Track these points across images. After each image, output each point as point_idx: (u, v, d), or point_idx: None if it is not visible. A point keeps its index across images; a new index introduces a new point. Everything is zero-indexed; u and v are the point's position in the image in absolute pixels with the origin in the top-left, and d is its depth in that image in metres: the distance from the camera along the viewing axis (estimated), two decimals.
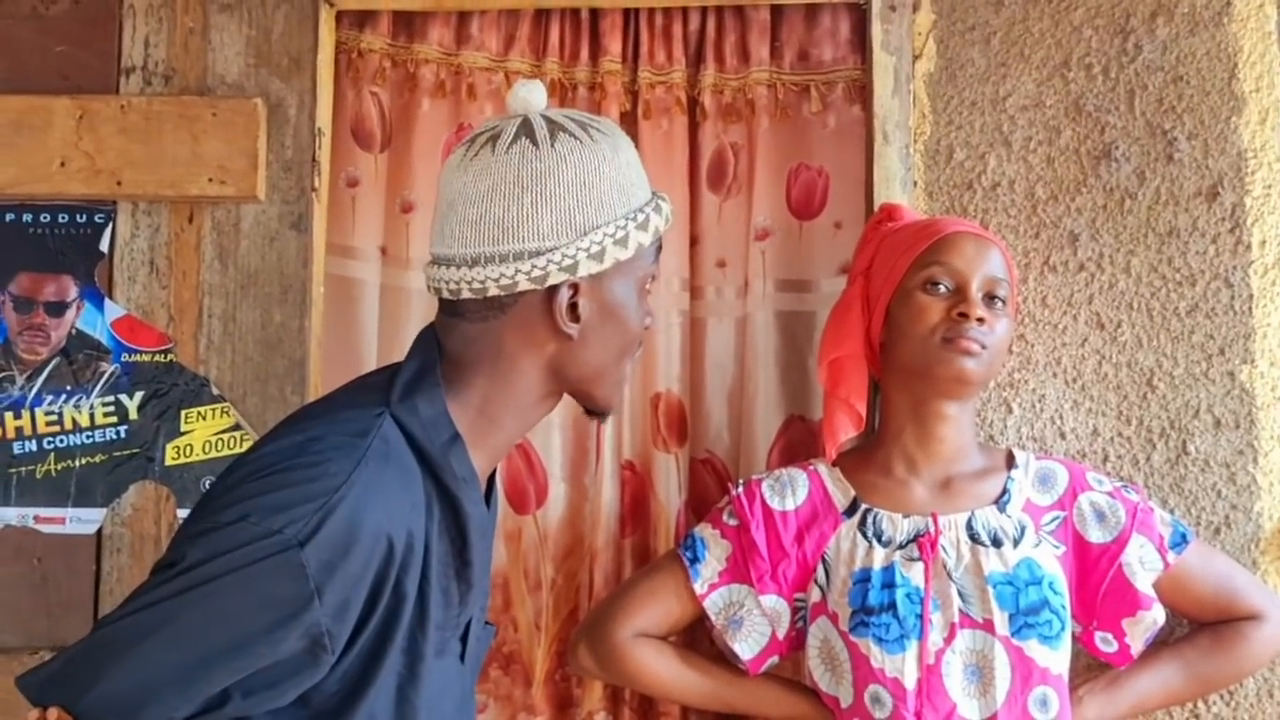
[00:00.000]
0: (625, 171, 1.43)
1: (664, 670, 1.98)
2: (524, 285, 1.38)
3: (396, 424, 1.37)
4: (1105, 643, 1.93)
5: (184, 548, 1.27)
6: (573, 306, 1.40)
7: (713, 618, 1.96)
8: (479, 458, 1.44)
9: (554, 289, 1.39)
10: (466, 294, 1.40)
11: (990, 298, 1.91)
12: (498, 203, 1.38)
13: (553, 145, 1.40)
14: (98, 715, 1.25)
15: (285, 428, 1.40)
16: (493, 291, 1.39)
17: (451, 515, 1.41)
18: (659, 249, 1.49)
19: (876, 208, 2.13)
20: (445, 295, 1.43)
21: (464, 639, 1.50)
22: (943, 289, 1.90)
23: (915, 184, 2.20)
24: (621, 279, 1.43)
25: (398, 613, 1.34)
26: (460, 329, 1.43)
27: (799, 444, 2.24)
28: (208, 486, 1.46)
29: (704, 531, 2.00)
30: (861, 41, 2.28)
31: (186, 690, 1.25)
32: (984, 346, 1.87)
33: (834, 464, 1.99)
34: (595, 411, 1.52)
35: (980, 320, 1.87)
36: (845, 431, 1.99)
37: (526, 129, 1.41)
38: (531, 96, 1.44)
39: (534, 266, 1.37)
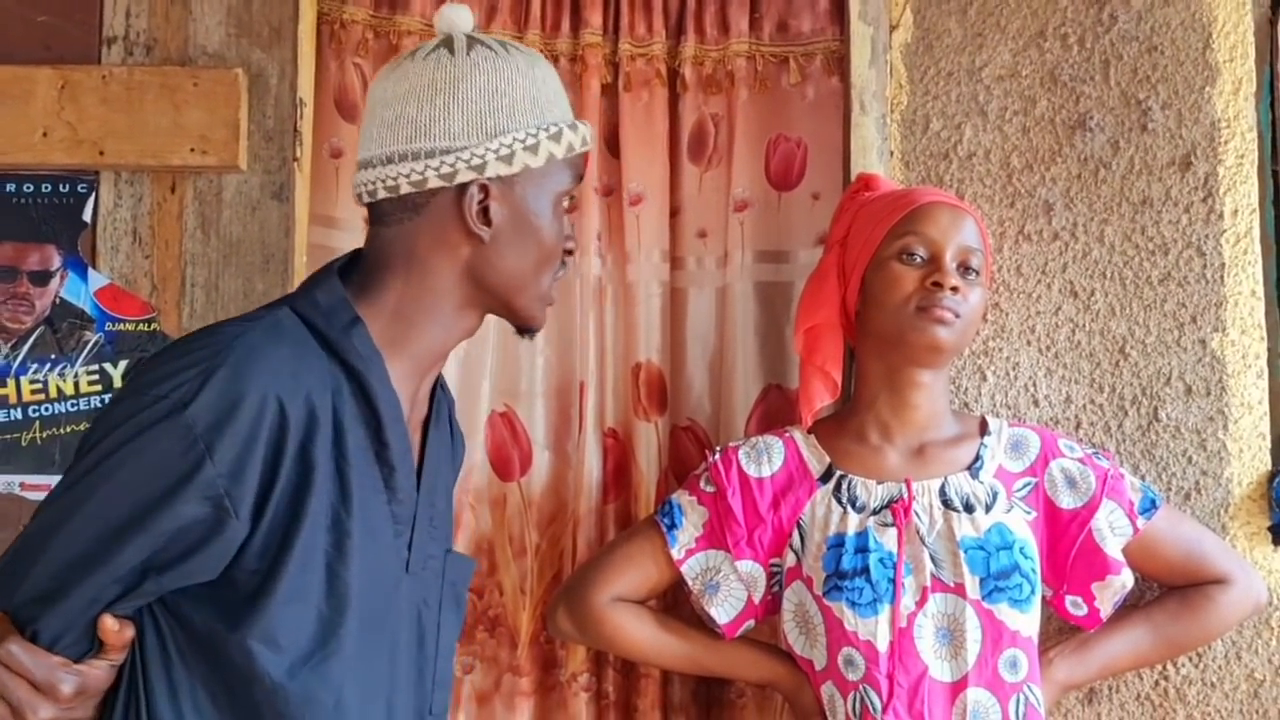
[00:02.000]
0: (540, 87, 1.48)
1: (641, 634, 2.01)
2: (434, 182, 1.42)
3: (296, 315, 1.41)
4: (1075, 606, 1.97)
5: (87, 433, 1.32)
6: (485, 210, 1.43)
7: (689, 582, 1.99)
8: (400, 363, 1.46)
9: (464, 189, 1.43)
10: (382, 193, 1.45)
11: (964, 267, 1.93)
12: (411, 104, 1.44)
13: (468, 54, 1.45)
14: (30, 610, 1.29)
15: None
16: (405, 189, 1.43)
17: (363, 397, 1.41)
18: (579, 176, 1.53)
19: (853, 178, 2.15)
20: (365, 198, 1.48)
21: (410, 545, 1.49)
22: (917, 258, 1.93)
23: (892, 154, 2.22)
24: (535, 189, 1.46)
25: (307, 482, 1.34)
26: (379, 235, 1.48)
27: (777, 412, 2.27)
28: None
29: (681, 498, 2.03)
30: (840, 12, 2.29)
31: (103, 570, 1.28)
32: (957, 315, 1.89)
33: (809, 431, 2.02)
34: (521, 328, 1.55)
35: (954, 289, 1.89)
36: (821, 399, 2.02)
37: (446, 42, 1.48)
38: (457, 17, 1.49)
39: (443, 163, 1.42)
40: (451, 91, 1.44)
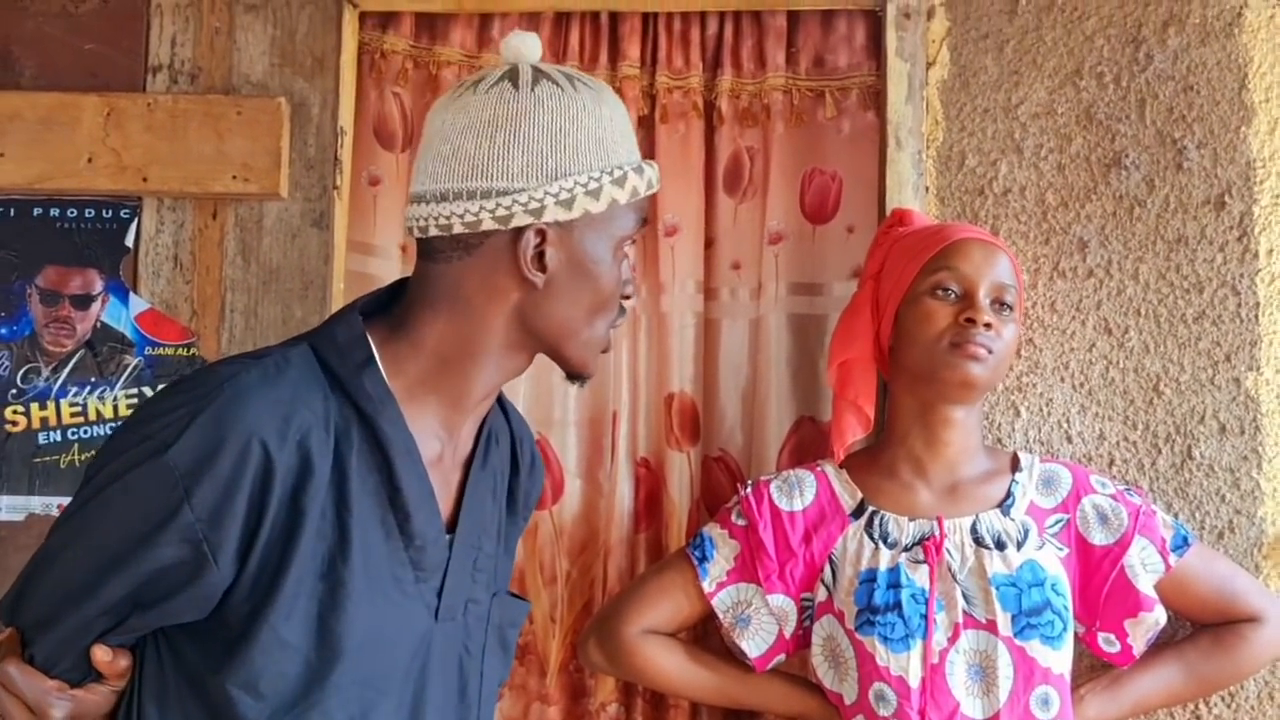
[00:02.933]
0: (606, 127, 1.40)
1: (672, 666, 2.02)
2: (488, 224, 1.35)
3: (314, 352, 1.37)
4: (1108, 643, 1.96)
5: (93, 460, 1.33)
6: (540, 255, 1.36)
7: (721, 616, 1.99)
8: (435, 403, 1.42)
9: (519, 233, 1.36)
10: (434, 230, 1.38)
11: (998, 303, 1.93)
12: (470, 140, 1.37)
13: (532, 89, 1.38)
14: (30, 633, 1.32)
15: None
16: (458, 229, 1.36)
17: (374, 441, 1.36)
18: (643, 220, 1.45)
19: (888, 213, 2.16)
20: (416, 233, 1.42)
21: (440, 592, 1.43)
22: (951, 294, 1.93)
23: (927, 189, 2.23)
24: (594, 234, 1.39)
25: (296, 530, 1.29)
26: (427, 271, 1.41)
27: (809, 444, 2.28)
28: None
29: (713, 531, 2.03)
30: (876, 48, 2.31)
31: (91, 601, 1.28)
32: (990, 352, 1.90)
33: (841, 465, 2.03)
34: (570, 374, 1.48)
35: (987, 326, 1.89)
36: (853, 433, 2.03)
37: (511, 74, 1.40)
38: (524, 46, 1.42)
39: (499, 205, 1.35)
40: (513, 130, 1.36)
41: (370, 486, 1.36)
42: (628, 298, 1.47)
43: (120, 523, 1.27)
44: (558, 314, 1.40)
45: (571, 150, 1.37)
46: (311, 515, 1.30)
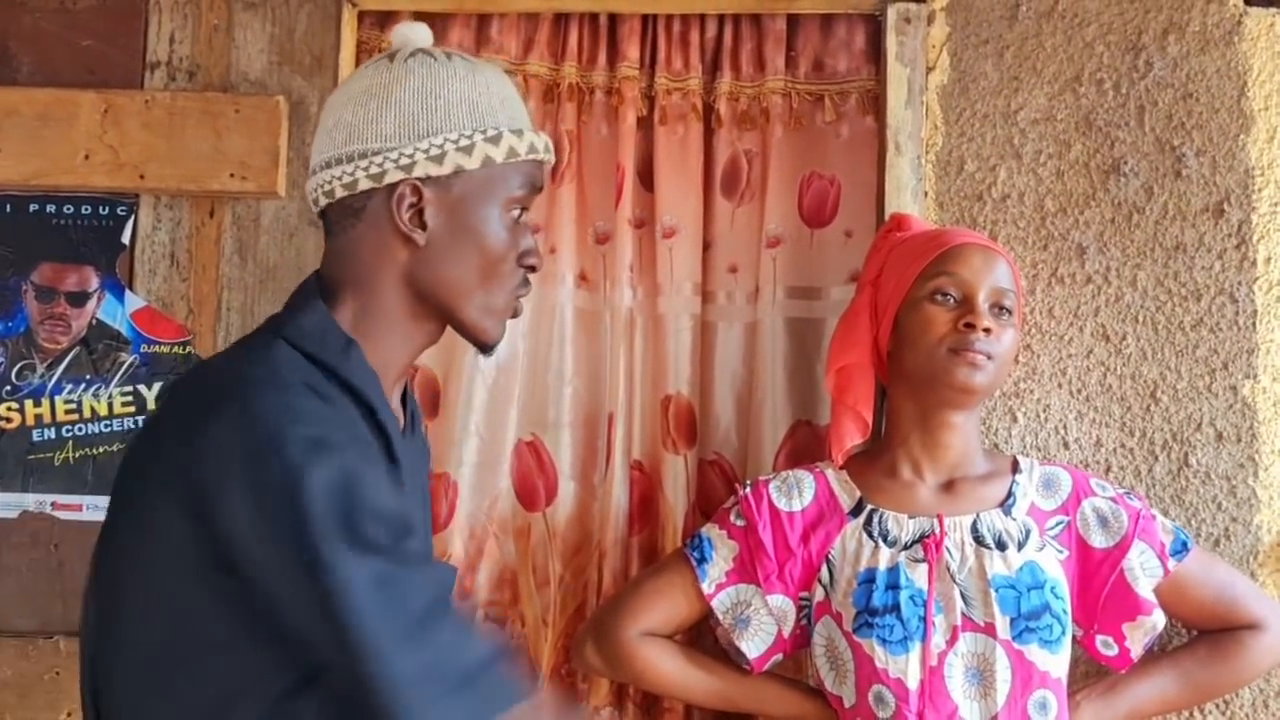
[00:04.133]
0: (481, 91, 1.45)
1: (670, 668, 2.01)
2: (364, 183, 1.41)
3: (290, 345, 1.38)
4: (1106, 646, 1.96)
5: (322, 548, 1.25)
6: (419, 212, 1.41)
7: (720, 617, 1.99)
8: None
9: (394, 189, 1.41)
10: (322, 200, 1.45)
11: (998, 308, 1.93)
12: (348, 110, 1.44)
13: (406, 61, 1.45)
14: None
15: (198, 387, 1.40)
16: (339, 192, 1.42)
17: (370, 418, 1.40)
18: (535, 187, 1.49)
19: (887, 217, 2.16)
20: (314, 209, 1.48)
21: None
22: (950, 300, 1.93)
23: (926, 194, 2.23)
24: (476, 194, 1.44)
25: None
26: (330, 248, 1.47)
27: (805, 448, 2.27)
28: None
29: (711, 532, 2.03)
30: (876, 53, 2.31)
31: None
32: (990, 357, 1.90)
33: (840, 467, 2.02)
34: (475, 344, 1.51)
35: (987, 331, 1.89)
36: (851, 438, 2.02)
37: (390, 54, 1.48)
38: (412, 33, 1.50)
39: (372, 164, 1.41)
40: (385, 95, 1.43)
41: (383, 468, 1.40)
42: (531, 268, 1.50)
43: None
44: (446, 275, 1.44)
45: (443, 111, 1.43)
46: None
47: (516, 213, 1.48)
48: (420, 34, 1.50)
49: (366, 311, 1.44)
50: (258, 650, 1.29)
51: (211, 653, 1.29)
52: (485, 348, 1.52)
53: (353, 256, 1.44)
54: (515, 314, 1.52)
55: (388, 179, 1.41)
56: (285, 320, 1.43)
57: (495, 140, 1.44)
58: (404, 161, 1.40)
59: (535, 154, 1.48)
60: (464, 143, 1.42)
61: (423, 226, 1.42)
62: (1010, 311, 1.94)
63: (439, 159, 1.41)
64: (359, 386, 1.39)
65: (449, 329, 1.51)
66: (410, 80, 1.43)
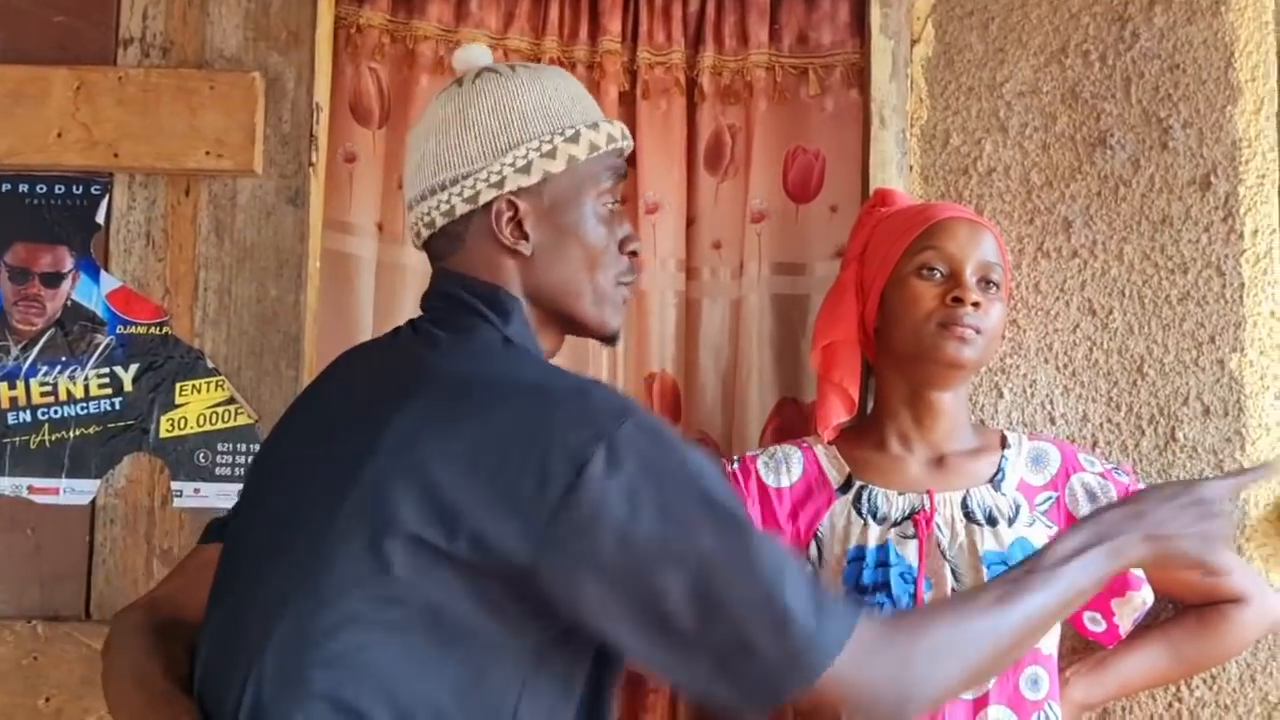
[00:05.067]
0: (550, 95, 1.48)
1: None
2: (461, 207, 1.44)
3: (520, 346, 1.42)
4: (1094, 622, 1.95)
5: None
6: (518, 224, 1.43)
7: None
8: None
9: (490, 207, 1.43)
10: (424, 232, 1.48)
11: (985, 282, 1.91)
12: (431, 141, 1.47)
13: (474, 82, 1.48)
14: None
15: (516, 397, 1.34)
16: (440, 221, 1.45)
17: None
18: (619, 175, 1.51)
19: (872, 192, 2.14)
20: (416, 243, 1.51)
21: None
22: (937, 274, 1.91)
23: (911, 168, 2.21)
24: (566, 195, 1.46)
25: None
26: (444, 277, 1.48)
27: (791, 426, 2.26)
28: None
29: None
30: (860, 25, 2.28)
31: None
32: (978, 331, 1.88)
33: (829, 442, 2.00)
34: (597, 336, 1.53)
35: (975, 305, 1.88)
36: (838, 415, 2.00)
37: (458, 79, 1.51)
38: (470, 55, 1.52)
39: (464, 188, 1.43)
40: (461, 120, 1.46)
41: None
42: (633, 253, 1.52)
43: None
44: (558, 276, 1.46)
45: (519, 122, 1.45)
46: None
47: (609, 203, 1.50)
48: (480, 55, 1.52)
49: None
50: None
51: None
52: (608, 339, 1.54)
53: (468, 284, 1.45)
54: (626, 300, 1.54)
55: (483, 199, 1.43)
56: (504, 323, 1.43)
57: (574, 139, 1.46)
58: (494, 179, 1.43)
59: (615, 143, 1.50)
60: (546, 148, 1.44)
61: (525, 237, 1.44)
62: (997, 285, 1.93)
63: (526, 169, 1.43)
64: None
65: None
66: (483, 100, 1.46)
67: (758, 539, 1.26)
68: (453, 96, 1.48)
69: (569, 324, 1.50)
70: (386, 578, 1.24)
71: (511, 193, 1.43)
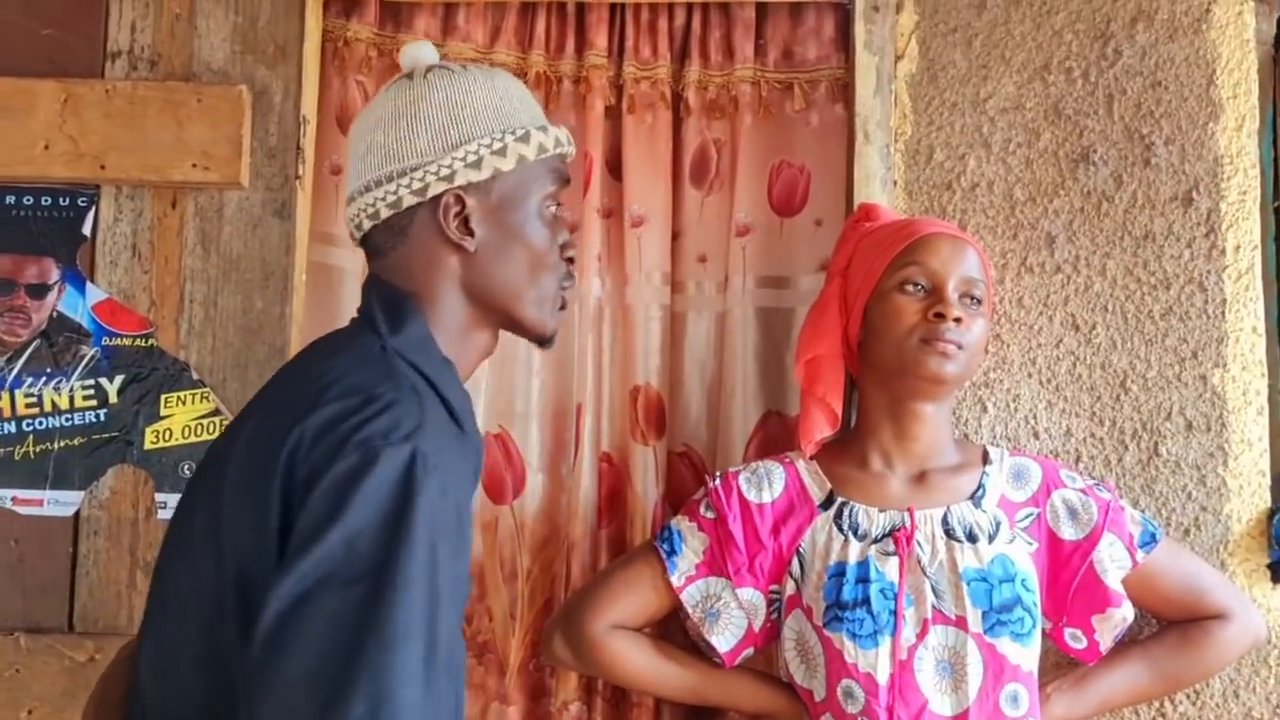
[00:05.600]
0: (502, 95, 1.50)
1: (640, 662, 2.00)
2: (408, 199, 1.44)
3: (399, 357, 1.40)
4: (1074, 639, 1.96)
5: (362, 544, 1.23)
6: (464, 220, 1.45)
7: (689, 610, 1.97)
8: None
9: (438, 201, 1.45)
10: (366, 223, 1.48)
11: (967, 298, 1.92)
12: (379, 132, 1.48)
13: (425, 77, 1.49)
14: None
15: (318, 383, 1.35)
16: (384, 212, 1.46)
17: (462, 437, 1.43)
18: (563, 179, 1.54)
19: (856, 206, 2.14)
20: (356, 235, 1.52)
21: None
22: (919, 290, 1.92)
23: (895, 183, 2.21)
24: (512, 194, 1.48)
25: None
26: (382, 270, 1.49)
27: (776, 439, 2.26)
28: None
29: (681, 524, 2.01)
30: (845, 41, 2.29)
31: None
32: (960, 347, 1.89)
33: (811, 457, 2.01)
34: (532, 338, 1.55)
35: (958, 320, 1.88)
36: (821, 430, 2.01)
37: (408, 75, 1.52)
38: (418, 52, 1.54)
39: (413, 180, 1.44)
40: (413, 113, 1.46)
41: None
42: (570, 259, 1.55)
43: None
44: (499, 276, 1.48)
45: (470, 119, 1.47)
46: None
47: (552, 207, 1.52)
48: (428, 52, 1.53)
49: (436, 327, 1.46)
50: None
51: None
52: (543, 341, 1.55)
53: (407, 277, 1.47)
54: (563, 306, 1.55)
55: (431, 191, 1.45)
56: (392, 331, 1.43)
57: (525, 139, 1.48)
58: (444, 172, 1.45)
59: (561, 148, 1.53)
60: (497, 146, 1.46)
61: (470, 234, 1.45)
62: (980, 301, 1.93)
63: (476, 164, 1.45)
64: (456, 407, 1.42)
65: None
66: (434, 94, 1.47)
67: (399, 620, 1.20)
68: (403, 90, 1.49)
69: (507, 323, 1.52)
70: None
71: (460, 187, 1.44)
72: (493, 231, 1.47)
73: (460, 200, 1.45)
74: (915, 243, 1.95)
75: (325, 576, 1.20)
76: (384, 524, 1.22)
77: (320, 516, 1.22)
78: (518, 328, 1.53)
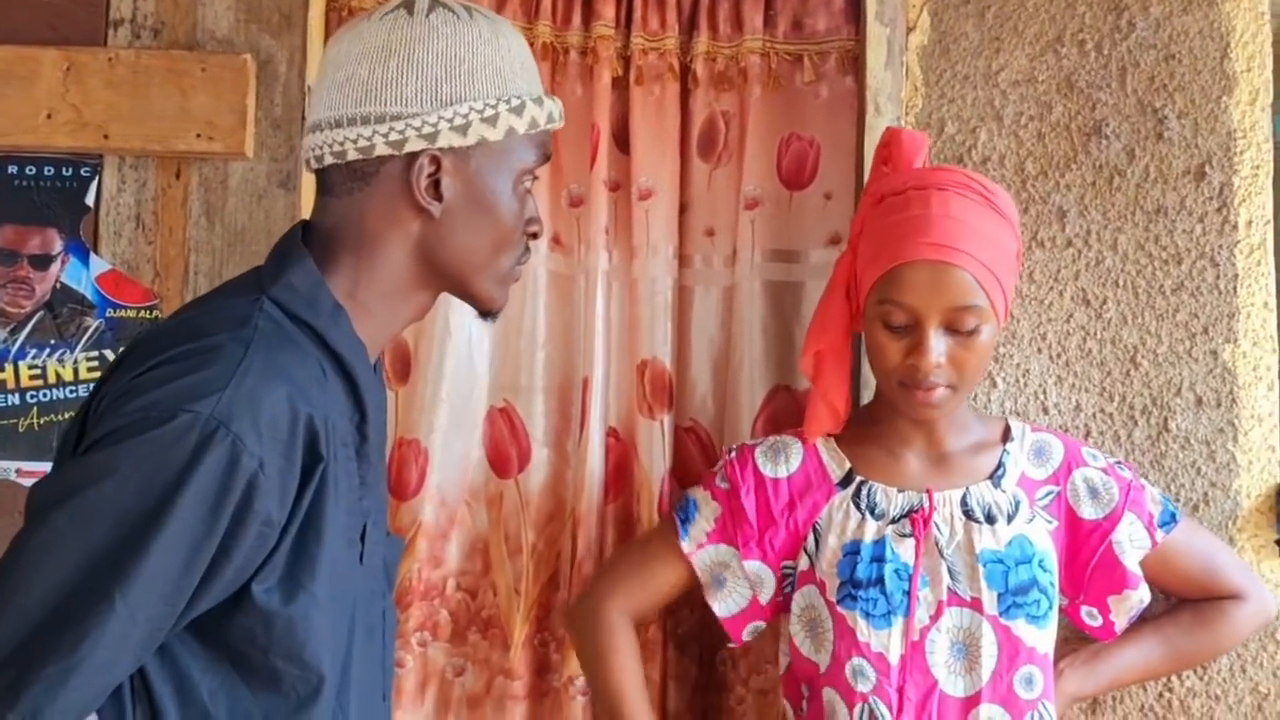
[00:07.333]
0: (505, 56, 1.40)
1: (620, 663, 1.98)
2: (382, 149, 1.35)
3: (277, 305, 1.33)
4: (1090, 617, 1.95)
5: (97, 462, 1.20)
6: (436, 182, 1.37)
7: (700, 574, 1.97)
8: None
9: (413, 159, 1.36)
10: (329, 159, 1.38)
11: (953, 329, 1.78)
12: (364, 66, 1.36)
13: (427, 16, 1.38)
14: None
15: (160, 333, 1.33)
16: (352, 155, 1.36)
17: (349, 389, 1.37)
18: (546, 155, 1.46)
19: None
20: (312, 164, 1.41)
21: (362, 538, 1.42)
22: (899, 329, 1.79)
23: None
24: (492, 165, 1.39)
25: (323, 488, 1.29)
26: (327, 206, 1.41)
27: (784, 414, 2.25)
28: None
29: (697, 493, 2.00)
30: (855, 12, 2.27)
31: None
32: (947, 385, 1.80)
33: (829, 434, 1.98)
34: (479, 310, 1.48)
35: (938, 364, 1.77)
36: (822, 430, 1.95)
37: (407, 3, 1.40)
38: None
39: (392, 130, 1.35)
40: (406, 54, 1.36)
41: (344, 434, 1.36)
42: (534, 235, 1.47)
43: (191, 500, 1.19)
44: (459, 246, 1.40)
45: (466, 77, 1.37)
46: (331, 471, 1.30)
47: (528, 182, 1.44)
48: None
49: (365, 279, 1.39)
50: None
51: None
52: (491, 314, 1.49)
53: (356, 222, 1.38)
54: (515, 279, 1.49)
55: (408, 147, 1.35)
56: (270, 278, 1.37)
57: (519, 110, 1.39)
58: (427, 130, 1.35)
59: (553, 123, 1.44)
60: (489, 113, 1.37)
61: (439, 198, 1.37)
62: (974, 324, 1.77)
63: (463, 130, 1.36)
64: (346, 356, 1.35)
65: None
66: (434, 40, 1.36)
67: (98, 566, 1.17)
68: (400, 24, 1.37)
69: (455, 290, 1.45)
70: None
71: (440, 149, 1.36)
72: (462, 199, 1.38)
73: (436, 162, 1.36)
74: (894, 273, 1.77)
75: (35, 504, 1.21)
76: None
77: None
78: (469, 298, 1.46)
